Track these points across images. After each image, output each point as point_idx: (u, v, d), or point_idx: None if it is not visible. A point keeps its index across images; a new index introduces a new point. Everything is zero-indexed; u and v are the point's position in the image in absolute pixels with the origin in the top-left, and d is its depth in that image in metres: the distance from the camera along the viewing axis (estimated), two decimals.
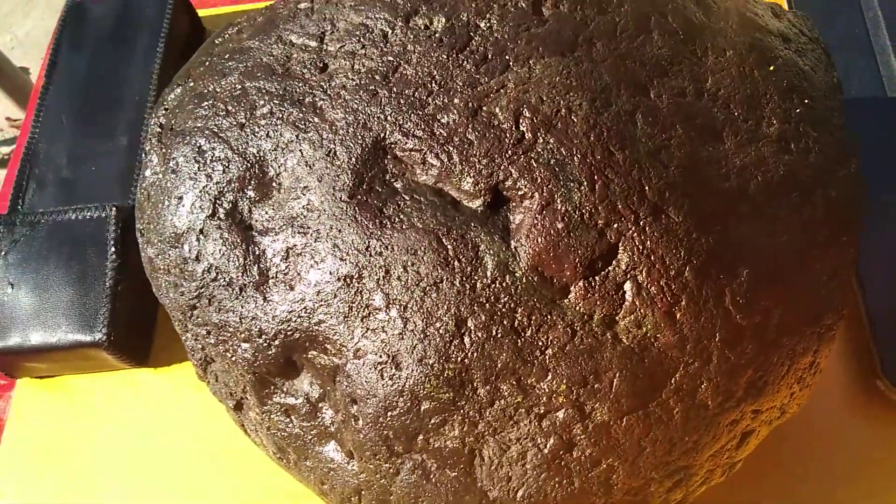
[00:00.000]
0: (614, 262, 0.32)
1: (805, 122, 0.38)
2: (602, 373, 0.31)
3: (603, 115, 0.33)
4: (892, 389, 0.46)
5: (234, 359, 0.35)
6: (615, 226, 0.32)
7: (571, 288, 0.32)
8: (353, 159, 0.33)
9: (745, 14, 0.40)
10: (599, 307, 0.32)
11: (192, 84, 0.38)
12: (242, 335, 0.35)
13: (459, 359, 0.31)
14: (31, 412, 0.54)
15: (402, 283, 0.32)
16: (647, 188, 0.32)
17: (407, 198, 0.33)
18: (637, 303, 0.32)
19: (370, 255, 0.32)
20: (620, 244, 0.32)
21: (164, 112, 0.39)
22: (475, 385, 0.31)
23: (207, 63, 0.38)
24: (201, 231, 0.35)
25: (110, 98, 0.60)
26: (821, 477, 0.46)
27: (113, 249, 0.54)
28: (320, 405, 0.34)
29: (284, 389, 0.35)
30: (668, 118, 0.34)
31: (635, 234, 0.32)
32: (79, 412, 0.53)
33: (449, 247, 0.32)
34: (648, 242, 0.32)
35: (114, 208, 0.55)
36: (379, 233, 0.32)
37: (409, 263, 0.32)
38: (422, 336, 0.32)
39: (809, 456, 0.46)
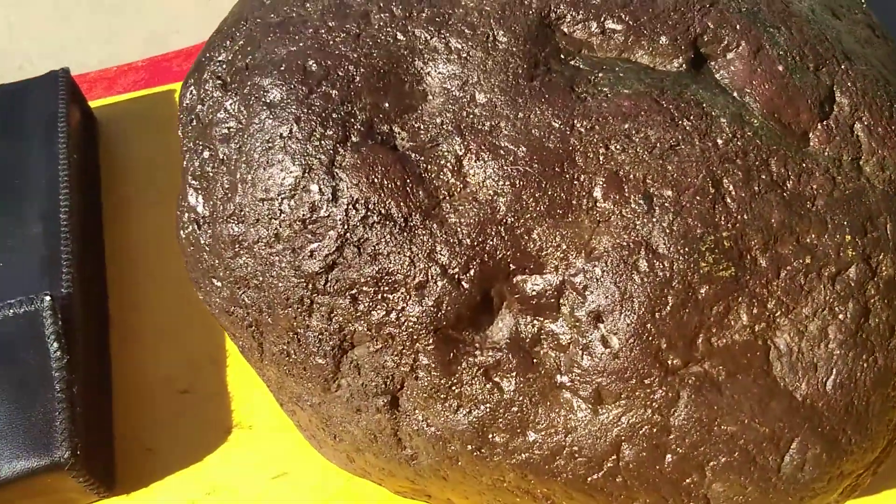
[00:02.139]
0: (836, 105, 0.28)
1: None
2: (875, 219, 0.27)
3: None
4: None
5: (402, 320, 0.26)
6: (824, 69, 0.29)
7: (811, 133, 0.27)
8: (520, 40, 0.28)
9: None
10: (844, 151, 0.27)
11: (255, 22, 0.30)
12: (415, 280, 0.26)
13: (731, 224, 0.25)
14: None
15: (631, 154, 0.26)
16: (827, 37, 0.30)
17: (596, 71, 0.27)
18: (873, 144, 0.28)
19: (579, 134, 0.26)
20: (835, 86, 0.28)
21: (217, 64, 0.30)
22: (754, 254, 0.25)
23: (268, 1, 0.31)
24: (331, 163, 0.27)
25: (10, 191, 0.50)
26: None
27: (56, 345, 0.42)
28: (537, 349, 0.26)
29: (477, 345, 0.26)
30: None
31: (844, 76, 0.29)
32: None
33: (670, 108, 0.26)
34: (859, 84, 0.29)
35: (47, 297, 0.43)
36: (581, 108, 0.26)
37: (633, 131, 0.26)
38: (678, 207, 0.25)
39: None
